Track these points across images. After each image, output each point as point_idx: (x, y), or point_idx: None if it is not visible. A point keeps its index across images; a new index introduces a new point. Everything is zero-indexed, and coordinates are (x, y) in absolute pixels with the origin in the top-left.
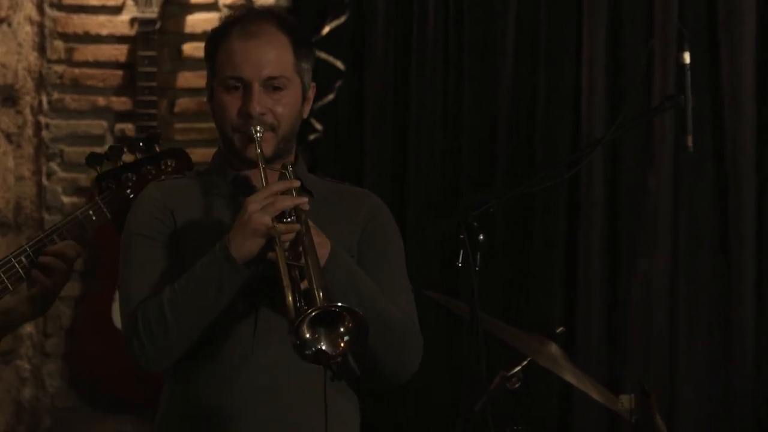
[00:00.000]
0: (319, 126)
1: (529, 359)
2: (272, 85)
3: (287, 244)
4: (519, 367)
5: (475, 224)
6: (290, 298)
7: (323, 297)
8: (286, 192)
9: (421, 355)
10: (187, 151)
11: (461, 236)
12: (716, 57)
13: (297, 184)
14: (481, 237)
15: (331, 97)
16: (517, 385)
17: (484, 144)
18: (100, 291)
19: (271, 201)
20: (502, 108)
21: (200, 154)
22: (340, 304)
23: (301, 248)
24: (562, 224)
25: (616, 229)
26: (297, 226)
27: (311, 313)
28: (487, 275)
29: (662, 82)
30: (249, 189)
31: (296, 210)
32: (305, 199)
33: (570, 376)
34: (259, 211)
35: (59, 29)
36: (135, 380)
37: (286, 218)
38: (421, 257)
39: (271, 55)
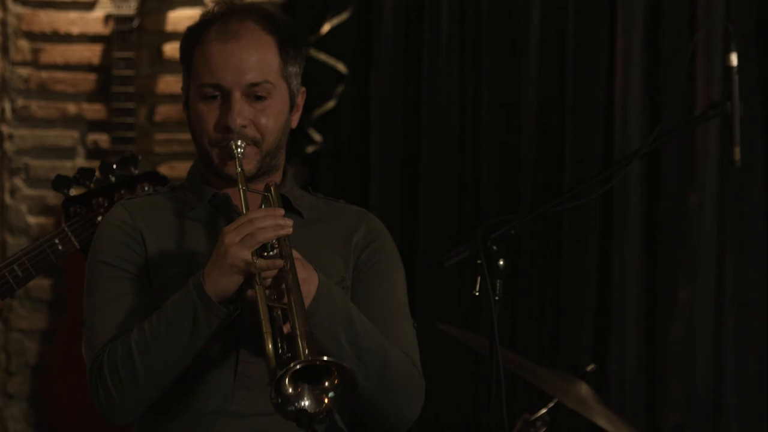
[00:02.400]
0: (318, 137)
1: (555, 401)
2: (255, 94)
3: (269, 281)
4: (544, 410)
5: (495, 248)
6: (270, 346)
7: (307, 347)
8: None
9: (422, 400)
10: (170, 164)
11: (479, 261)
12: (766, 57)
13: (281, 213)
14: (502, 262)
15: (331, 104)
16: (542, 430)
17: (506, 156)
18: (71, 324)
19: (251, 232)
20: (526, 115)
21: (183, 169)
22: (325, 357)
23: (284, 285)
24: (594, 247)
25: (655, 252)
26: (279, 263)
27: (294, 367)
28: (508, 305)
29: (706, 86)
30: (229, 210)
31: (280, 242)
32: (290, 228)
33: (602, 419)
34: (237, 244)
35: (24, 27)
36: (109, 425)
37: (268, 251)
38: (434, 285)
39: (253, 59)
